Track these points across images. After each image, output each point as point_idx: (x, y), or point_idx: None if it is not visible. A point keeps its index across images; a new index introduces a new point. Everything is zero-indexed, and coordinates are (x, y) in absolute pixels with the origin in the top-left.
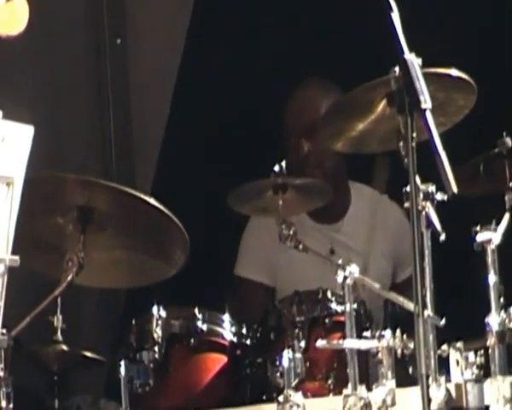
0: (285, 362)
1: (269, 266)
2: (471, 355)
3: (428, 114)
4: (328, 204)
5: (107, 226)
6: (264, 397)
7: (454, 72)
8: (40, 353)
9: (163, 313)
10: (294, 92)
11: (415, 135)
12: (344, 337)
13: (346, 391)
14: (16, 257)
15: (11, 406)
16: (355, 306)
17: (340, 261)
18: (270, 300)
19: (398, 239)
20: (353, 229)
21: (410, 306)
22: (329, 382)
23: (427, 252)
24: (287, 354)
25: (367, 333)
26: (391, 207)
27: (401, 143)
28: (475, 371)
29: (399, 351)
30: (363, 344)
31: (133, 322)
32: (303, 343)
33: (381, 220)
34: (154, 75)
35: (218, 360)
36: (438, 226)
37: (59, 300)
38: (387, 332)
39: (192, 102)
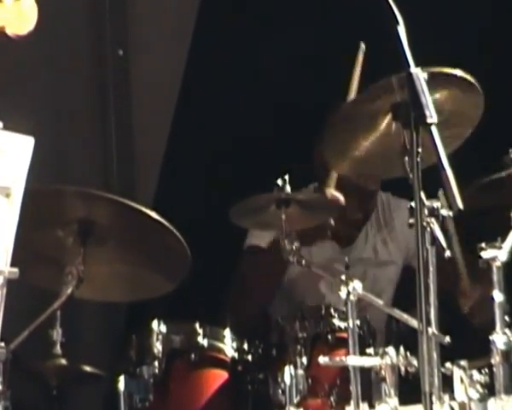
0: (287, 379)
1: None
2: (475, 374)
3: (434, 129)
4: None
5: (108, 240)
6: None
7: (458, 72)
8: (39, 367)
9: (163, 328)
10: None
11: (420, 150)
12: (347, 354)
13: (348, 409)
14: (16, 269)
15: None
16: (358, 322)
17: (343, 277)
18: (281, 271)
19: (407, 238)
20: (366, 241)
21: (414, 323)
22: (332, 399)
23: (431, 269)
24: (289, 371)
25: (370, 350)
26: (398, 206)
27: (406, 159)
28: (480, 389)
29: (403, 369)
30: (366, 361)
31: (133, 337)
32: (305, 360)
33: (391, 223)
34: (157, 87)
35: (218, 376)
36: (443, 243)
37: (58, 313)
38: (391, 349)
39: (194, 114)
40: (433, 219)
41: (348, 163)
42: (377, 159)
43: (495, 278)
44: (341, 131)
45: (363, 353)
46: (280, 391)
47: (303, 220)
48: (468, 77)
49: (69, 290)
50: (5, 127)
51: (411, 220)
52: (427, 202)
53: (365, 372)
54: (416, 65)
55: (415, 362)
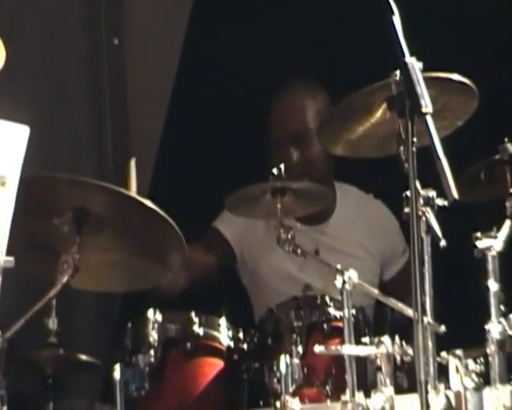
0: (282, 368)
1: (243, 239)
2: (471, 363)
3: (429, 119)
4: None
5: (104, 228)
6: (261, 403)
7: (455, 76)
8: (34, 355)
9: (159, 317)
10: (278, 98)
11: (415, 139)
12: (342, 343)
13: (343, 398)
14: (11, 258)
15: (5, 408)
16: (354, 312)
17: (338, 266)
18: (227, 260)
19: (384, 237)
20: (339, 230)
21: (410, 312)
22: (327, 388)
23: (426, 258)
24: (284, 360)
25: (365, 339)
26: (376, 206)
27: (401, 148)
28: (475, 378)
29: (398, 358)
30: (361, 350)
31: (129, 325)
32: (301, 349)
33: (367, 219)
34: (152, 76)
35: (214, 365)
36: (438, 232)
37: (54, 302)
38: (386, 339)
39: (190, 104)
40: (428, 209)
41: (342, 146)
42: (371, 141)
43: (490, 267)
44: (336, 120)
45: (358, 342)
46: (275, 380)
47: (298, 209)
48: (464, 80)
49: (65, 279)
50: (0, 116)
51: (407, 210)
52: (422, 192)
53: (361, 362)
54: (411, 55)
55: (410, 351)
